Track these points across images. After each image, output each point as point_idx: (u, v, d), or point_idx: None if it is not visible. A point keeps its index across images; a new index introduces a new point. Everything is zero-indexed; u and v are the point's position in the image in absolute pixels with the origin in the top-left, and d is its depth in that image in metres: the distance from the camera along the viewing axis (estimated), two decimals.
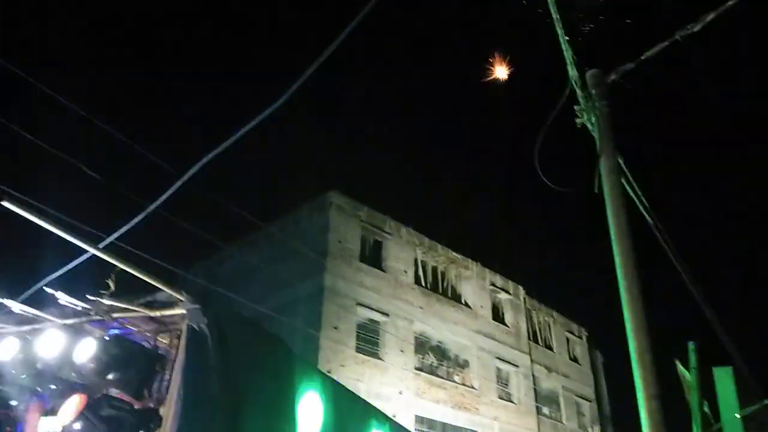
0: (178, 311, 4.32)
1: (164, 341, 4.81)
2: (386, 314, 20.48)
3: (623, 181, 4.15)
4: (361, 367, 18.86)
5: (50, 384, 4.81)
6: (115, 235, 4.22)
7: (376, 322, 20.29)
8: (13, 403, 5.09)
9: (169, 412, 3.93)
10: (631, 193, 4.32)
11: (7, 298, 4.80)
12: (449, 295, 23.43)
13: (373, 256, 21.31)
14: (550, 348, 27.47)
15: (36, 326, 4.78)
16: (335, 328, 18.77)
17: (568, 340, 28.84)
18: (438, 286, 23.23)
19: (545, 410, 25.55)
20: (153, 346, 4.72)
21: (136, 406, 4.38)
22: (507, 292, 25.77)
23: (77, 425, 4.32)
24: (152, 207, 4.22)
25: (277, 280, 19.77)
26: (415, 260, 22.61)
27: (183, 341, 4.13)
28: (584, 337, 29.81)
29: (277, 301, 18.66)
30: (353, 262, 20.34)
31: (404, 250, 22.32)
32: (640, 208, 4.68)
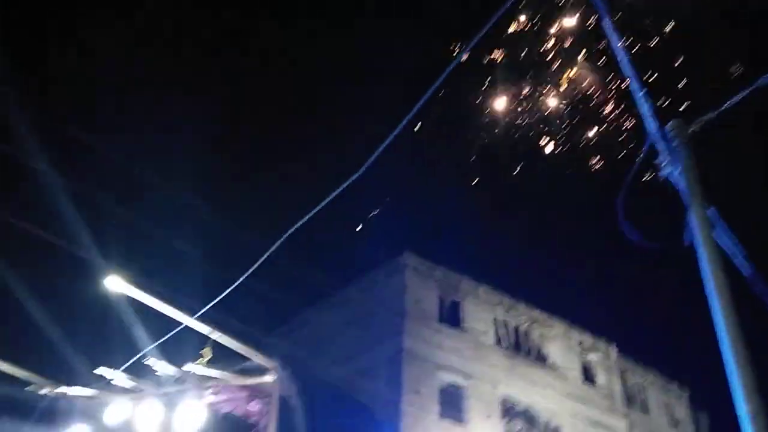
0: (268, 378, 4.43)
1: (254, 408, 4.92)
2: (469, 377, 19.92)
3: (714, 235, 3.98)
4: None
5: None
6: (209, 306, 4.43)
7: (459, 386, 19.74)
8: None
9: None
10: (724, 246, 4.13)
11: (109, 368, 5.10)
12: (534, 356, 22.56)
13: (451, 317, 20.99)
14: (647, 411, 25.65)
15: (137, 395, 5.02)
16: (417, 392, 18.41)
17: (667, 401, 26.84)
18: (521, 347, 22.46)
19: None
20: (244, 412, 4.84)
21: None
22: (597, 351, 24.51)
23: None
24: (243, 277, 4.43)
25: (355, 343, 19.77)
26: (495, 320, 22.07)
27: (274, 408, 4.22)
28: (686, 398, 27.63)
29: (357, 364, 18.60)
30: (431, 323, 20.11)
31: (483, 310, 21.87)
32: (734, 261, 4.44)
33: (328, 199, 4.50)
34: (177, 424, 4.43)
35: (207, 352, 4.30)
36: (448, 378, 19.50)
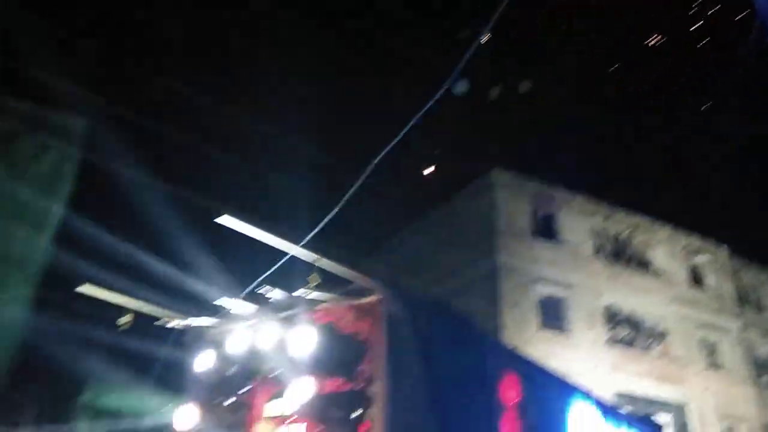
0: (373, 298, 4.62)
1: (362, 326, 5.16)
2: (569, 288, 19.79)
3: None
4: (547, 344, 18.43)
5: (272, 373, 5.41)
6: (311, 234, 4.64)
7: (559, 298, 19.69)
8: (243, 390, 5.79)
9: (378, 390, 4.24)
10: None
11: (228, 298, 5.50)
12: (636, 262, 21.97)
13: (547, 230, 20.68)
14: (763, 310, 24.54)
15: (255, 321, 5.40)
16: (515, 306, 18.57)
17: None
18: (622, 255, 21.89)
19: (765, 378, 22.93)
20: (353, 331, 5.09)
21: (347, 388, 4.76)
22: (706, 253, 23.46)
23: (299, 408, 4.77)
24: (341, 203, 4.57)
25: (450, 263, 20.04)
26: (593, 229, 21.53)
27: (381, 325, 4.42)
28: None
29: (453, 284, 18.92)
30: (526, 237, 19.93)
31: (580, 220, 21.35)
32: None
33: (403, 131, 4.49)
34: (292, 346, 4.74)
35: (314, 278, 4.52)
36: (546, 290, 19.45)
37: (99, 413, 11.54)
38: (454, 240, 20.43)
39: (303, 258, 4.42)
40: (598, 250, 21.22)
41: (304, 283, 4.68)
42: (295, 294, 4.74)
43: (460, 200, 21.39)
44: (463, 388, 4.36)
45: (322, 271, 4.79)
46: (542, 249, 20.04)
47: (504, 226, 19.62)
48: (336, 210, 4.79)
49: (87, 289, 5.44)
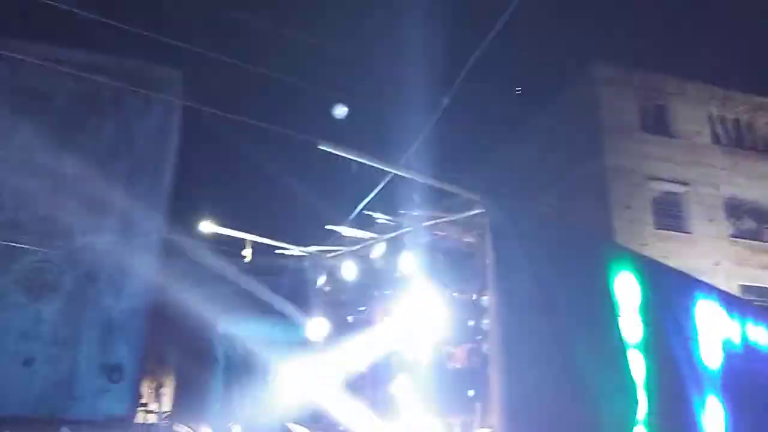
0: (477, 211, 4.62)
1: (469, 240, 5.21)
2: (685, 184, 18.63)
3: None
4: (665, 244, 17.66)
5: (387, 290, 5.66)
6: (412, 148, 4.68)
7: (675, 194, 18.61)
8: (362, 309, 6.13)
9: (490, 300, 4.31)
10: None
11: (337, 225, 5.72)
12: (759, 147, 20.16)
13: (657, 124, 19.34)
14: None
15: (365, 244, 5.61)
16: (628, 207, 17.81)
17: None
18: (743, 141, 20.14)
19: None
20: (460, 245, 5.17)
21: (458, 299, 4.89)
22: None
23: (413, 321, 4.97)
24: (441, 107, 4.53)
25: (555, 169, 19.40)
26: (710, 117, 19.85)
27: (487, 236, 4.43)
28: None
29: (560, 190, 18.39)
30: (635, 134, 18.78)
31: (694, 109, 19.73)
32: None
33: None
34: (403, 265, 4.89)
35: (416, 196, 4.58)
36: (660, 187, 18.44)
37: (234, 341, 12.64)
38: (558, 144, 19.67)
39: (405, 175, 4.48)
40: (716, 140, 19.64)
41: (409, 203, 4.77)
42: (401, 212, 4.84)
43: (562, 101, 20.39)
44: (576, 293, 4.32)
45: (425, 189, 4.84)
46: (654, 145, 18.84)
47: (610, 123, 18.55)
48: (435, 119, 4.76)
49: (207, 226, 5.87)
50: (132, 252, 14.29)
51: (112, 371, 13.13)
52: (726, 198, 19.03)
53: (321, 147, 3.89)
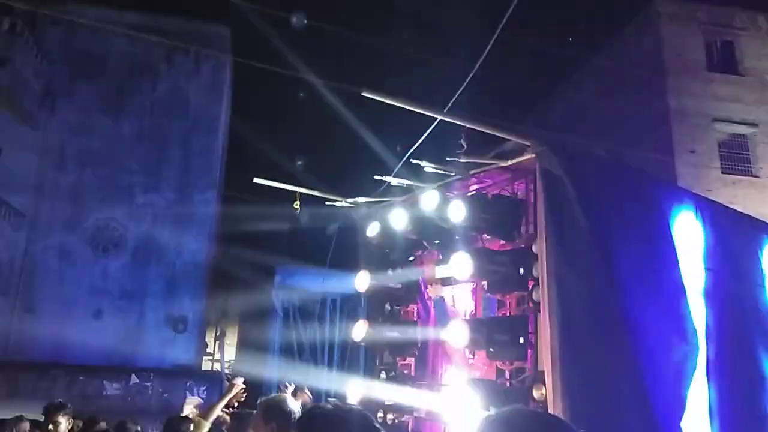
0: (528, 156, 4.46)
1: (519, 187, 5.06)
2: (754, 125, 17.60)
3: None
4: (731, 189, 16.86)
5: (435, 240, 5.59)
6: (458, 92, 4.53)
7: (743, 136, 17.64)
8: (411, 258, 6.10)
9: (541, 248, 4.19)
10: None
11: (385, 175, 5.66)
12: None
13: (724, 62, 18.21)
14: None
15: (414, 193, 5.54)
16: (692, 152, 17.01)
17: None
18: None
19: None
20: (511, 192, 5.02)
21: (509, 247, 4.79)
22: None
23: (465, 271, 4.90)
24: (487, 50, 4.35)
25: (614, 114, 18.64)
26: None
27: (540, 183, 4.28)
28: None
29: (621, 133, 17.70)
30: (700, 73, 17.75)
31: (765, 44, 18.43)
32: None
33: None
34: (452, 214, 4.81)
35: (463, 142, 4.45)
36: (727, 129, 17.49)
37: (290, 292, 12.96)
38: (619, 86, 18.83)
39: (450, 120, 4.34)
40: None
41: (457, 148, 4.65)
42: (448, 159, 4.73)
43: (622, 40, 19.41)
44: (633, 237, 4.16)
45: (474, 136, 4.70)
46: (720, 84, 17.80)
47: (674, 62, 17.60)
48: (482, 59, 4.57)
49: (258, 180, 5.92)
50: (191, 208, 14.73)
51: (176, 322, 13.76)
52: None
53: (364, 94, 3.80)
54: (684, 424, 3.98)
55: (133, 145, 15.45)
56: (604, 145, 16.52)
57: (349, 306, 12.34)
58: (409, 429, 5.60)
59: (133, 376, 12.03)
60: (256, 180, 5.81)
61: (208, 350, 21.89)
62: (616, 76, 18.66)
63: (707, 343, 4.35)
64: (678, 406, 3.95)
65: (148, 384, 11.20)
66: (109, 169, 15.15)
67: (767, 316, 5.17)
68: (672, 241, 4.26)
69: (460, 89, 4.70)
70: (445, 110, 4.47)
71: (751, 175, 17.29)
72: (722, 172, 17.04)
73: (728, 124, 17.46)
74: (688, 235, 4.44)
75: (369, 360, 7.17)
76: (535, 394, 4.02)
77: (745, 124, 17.55)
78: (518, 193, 4.97)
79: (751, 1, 18.46)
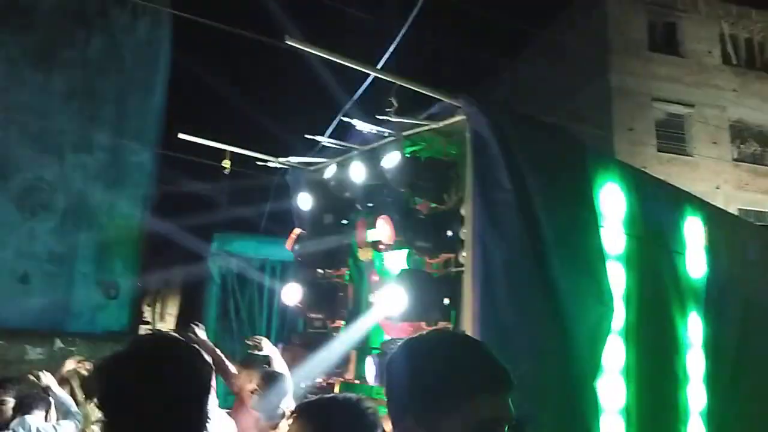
0: (458, 118, 4.41)
1: (453, 151, 5.02)
2: (690, 105, 18.22)
3: None
4: (666, 166, 17.47)
5: (368, 203, 5.51)
6: (388, 53, 4.41)
7: (679, 116, 18.25)
8: (344, 222, 6.01)
9: (468, 210, 4.18)
10: None
11: (316, 135, 5.51)
12: None
13: (666, 42, 18.70)
14: None
15: (347, 155, 5.43)
16: (630, 129, 17.49)
17: None
18: (755, 61, 19.51)
19: None
20: (444, 155, 4.98)
21: (440, 210, 4.76)
22: None
23: (391, 235, 4.84)
24: (411, 18, 4.24)
25: (558, 90, 18.93)
26: (722, 36, 19.15)
27: (469, 144, 4.25)
28: None
29: (562, 112, 17.99)
30: (642, 53, 18.19)
31: (705, 27, 19.01)
32: None
33: None
34: (383, 175, 4.73)
35: (394, 100, 4.35)
36: (665, 109, 18.05)
37: (228, 258, 12.71)
38: (563, 65, 19.09)
39: (384, 77, 4.23)
40: (725, 60, 19.03)
41: (388, 107, 4.55)
42: (379, 118, 4.62)
43: (571, 16, 19.62)
44: (557, 202, 4.18)
45: (408, 97, 4.60)
46: (661, 64, 18.29)
47: (618, 41, 17.96)
48: (411, 19, 4.46)
49: (186, 136, 5.67)
50: (125, 169, 14.17)
51: (108, 288, 13.31)
52: (732, 120, 18.64)
53: (289, 43, 3.63)
54: (598, 383, 4.08)
55: (64, 102, 14.64)
56: (550, 119, 16.76)
57: (288, 272, 12.19)
58: (336, 391, 5.58)
59: (57, 340, 11.59)
60: (181, 136, 5.56)
61: (146, 318, 21.36)
62: (564, 52, 18.91)
63: (626, 307, 4.46)
64: (593, 366, 4.04)
65: (73, 349, 10.81)
66: (38, 127, 14.34)
67: (685, 283, 5.35)
68: (595, 207, 4.31)
69: (394, 43, 4.59)
70: (379, 66, 4.34)
71: (685, 154, 17.95)
72: (658, 150, 17.62)
73: (666, 103, 18.01)
74: (611, 201, 4.51)
75: (306, 326, 7.11)
76: None
77: (682, 104, 18.14)
78: (450, 155, 4.94)
79: None
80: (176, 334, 1.86)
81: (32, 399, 4.79)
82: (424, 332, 1.60)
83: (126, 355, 1.58)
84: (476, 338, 1.59)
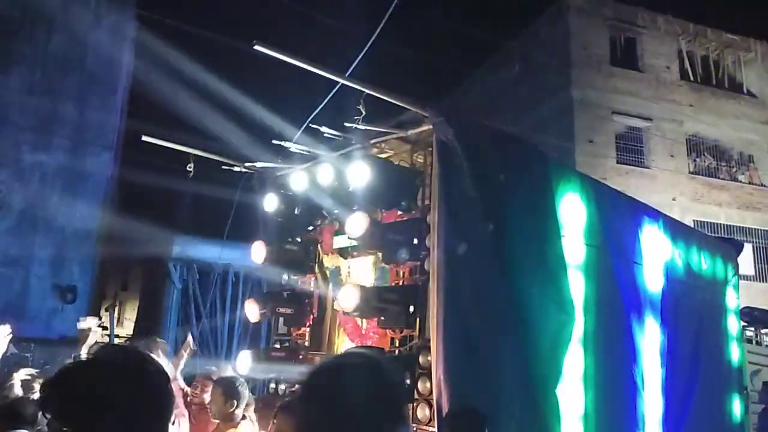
0: (425, 127, 4.46)
1: (420, 160, 5.07)
2: (649, 119, 18.75)
3: None
4: (624, 178, 17.92)
5: (334, 210, 5.51)
6: (358, 59, 4.44)
7: (638, 129, 18.76)
8: (310, 228, 6.00)
9: (434, 219, 4.22)
10: None
11: (284, 141, 5.49)
12: (726, 86, 20.29)
13: (626, 57, 19.22)
14: None
15: (314, 161, 5.42)
16: (591, 141, 17.90)
17: None
18: (711, 78, 20.22)
19: None
20: (411, 164, 5.02)
21: (405, 218, 4.79)
22: None
23: (360, 239, 4.85)
24: (380, 27, 4.28)
25: (522, 101, 19.27)
26: (679, 52, 19.79)
27: (435, 153, 4.30)
28: None
29: (525, 122, 18.32)
30: (603, 67, 18.66)
31: (664, 43, 19.62)
32: None
33: None
34: (352, 181, 4.74)
35: (362, 108, 4.38)
36: (624, 122, 18.54)
37: (189, 264, 12.51)
38: (527, 76, 19.45)
39: (352, 85, 4.25)
40: (683, 76, 19.67)
41: (356, 115, 4.57)
42: (346, 125, 4.64)
43: (536, 29, 20.01)
44: (520, 212, 4.27)
45: (376, 105, 4.63)
46: (621, 79, 18.79)
47: (580, 55, 18.39)
48: (381, 27, 4.50)
49: (150, 139, 5.58)
50: (84, 170, 13.82)
51: (65, 292, 12.93)
52: (688, 135, 19.26)
53: (257, 47, 3.62)
54: (559, 390, 4.16)
55: (22, 100, 14.21)
56: (513, 129, 17.04)
57: (252, 279, 12.07)
58: None
59: (11, 345, 11.18)
60: (145, 138, 5.47)
61: (103, 323, 20.80)
62: (528, 64, 19.27)
63: (585, 315, 4.57)
64: (554, 373, 4.12)
65: (28, 355, 10.45)
66: None
67: (642, 292, 5.51)
68: (556, 217, 4.41)
69: (363, 51, 4.62)
70: (347, 74, 4.36)
71: (643, 166, 18.44)
72: (617, 162, 18.06)
73: (626, 117, 18.50)
74: (571, 211, 4.62)
75: (269, 332, 7.04)
76: (422, 360, 4.07)
77: (641, 117, 18.65)
78: (417, 163, 4.99)
79: (653, 1, 19.56)
80: (135, 346, 1.80)
81: None
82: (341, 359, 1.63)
83: (82, 368, 1.53)
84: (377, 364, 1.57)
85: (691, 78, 19.78)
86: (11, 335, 4.29)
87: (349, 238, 4.84)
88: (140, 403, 1.44)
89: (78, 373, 1.49)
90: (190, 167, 5.73)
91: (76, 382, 1.44)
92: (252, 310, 5.78)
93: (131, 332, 18.98)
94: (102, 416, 1.39)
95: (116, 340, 16.04)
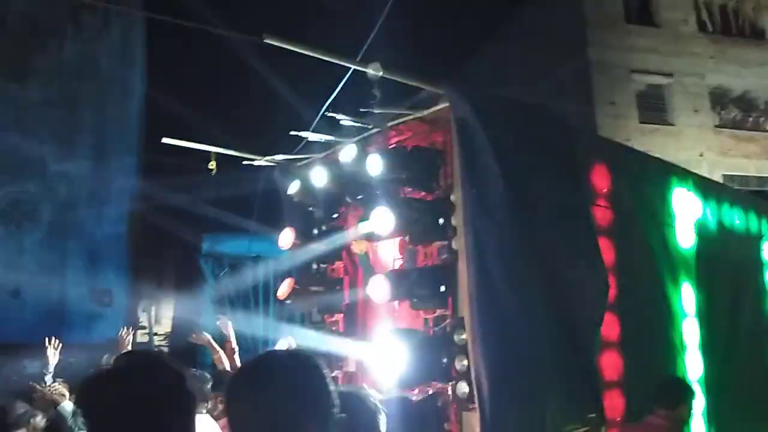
0: (442, 106, 4.41)
1: (438, 137, 5.02)
2: (669, 75, 18.30)
3: None
4: (649, 138, 17.57)
5: (357, 195, 5.51)
6: (366, 45, 4.40)
7: (659, 87, 18.34)
8: (335, 215, 6.01)
9: (458, 197, 4.20)
10: None
11: (301, 131, 5.48)
12: (747, 33, 19.66)
13: (641, 13, 18.73)
14: None
15: (334, 148, 5.42)
16: (612, 103, 17.55)
17: None
18: (730, 27, 19.61)
19: None
20: (431, 144, 4.98)
21: (429, 198, 4.77)
22: None
23: (386, 224, 4.84)
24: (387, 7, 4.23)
25: (537, 68, 18.92)
26: (696, 3, 19.21)
27: (454, 131, 4.26)
28: None
29: (542, 89, 18.01)
30: (619, 25, 18.21)
31: None
32: None
33: None
34: (372, 168, 4.73)
35: (377, 91, 4.34)
36: (644, 80, 18.13)
37: (219, 258, 12.69)
38: (541, 42, 19.08)
39: (365, 70, 4.21)
40: (701, 28, 19.11)
41: (372, 99, 4.54)
42: (363, 111, 4.62)
43: None
44: (547, 183, 4.21)
45: (390, 87, 4.59)
46: (638, 36, 18.33)
47: (594, 15, 17.96)
48: (387, 9, 4.44)
49: (169, 140, 5.62)
50: (109, 176, 14.04)
51: (101, 296, 13.24)
52: (711, 87, 18.77)
53: (267, 41, 3.61)
54: (597, 360, 4.14)
55: (42, 112, 14.45)
56: (529, 98, 16.80)
57: (282, 270, 12.16)
58: (339, 383, 5.61)
59: (48, 348, 11.50)
60: (165, 140, 5.52)
61: (142, 323, 21.29)
62: (540, 30, 18.89)
63: (619, 282, 4.51)
64: (591, 343, 4.09)
65: (72, 360, 10.74)
66: (18, 139, 14.15)
67: (675, 253, 5.43)
68: (583, 186, 4.35)
69: (371, 35, 4.57)
70: (358, 59, 4.33)
71: (668, 124, 18.06)
72: (640, 122, 17.71)
73: (646, 74, 18.09)
74: (599, 178, 4.55)
75: (302, 321, 7.12)
76: (456, 339, 4.08)
77: (661, 74, 18.22)
78: (437, 143, 4.94)
79: None
80: (157, 351, 1.97)
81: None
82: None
83: (107, 374, 1.69)
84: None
85: (710, 29, 19.21)
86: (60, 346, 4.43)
87: (376, 224, 4.84)
88: (155, 403, 1.56)
89: (95, 382, 1.65)
90: (212, 165, 5.77)
91: (95, 391, 1.61)
92: (285, 290, 5.91)
93: (169, 329, 19.37)
94: (120, 418, 1.52)
95: (155, 338, 16.41)
